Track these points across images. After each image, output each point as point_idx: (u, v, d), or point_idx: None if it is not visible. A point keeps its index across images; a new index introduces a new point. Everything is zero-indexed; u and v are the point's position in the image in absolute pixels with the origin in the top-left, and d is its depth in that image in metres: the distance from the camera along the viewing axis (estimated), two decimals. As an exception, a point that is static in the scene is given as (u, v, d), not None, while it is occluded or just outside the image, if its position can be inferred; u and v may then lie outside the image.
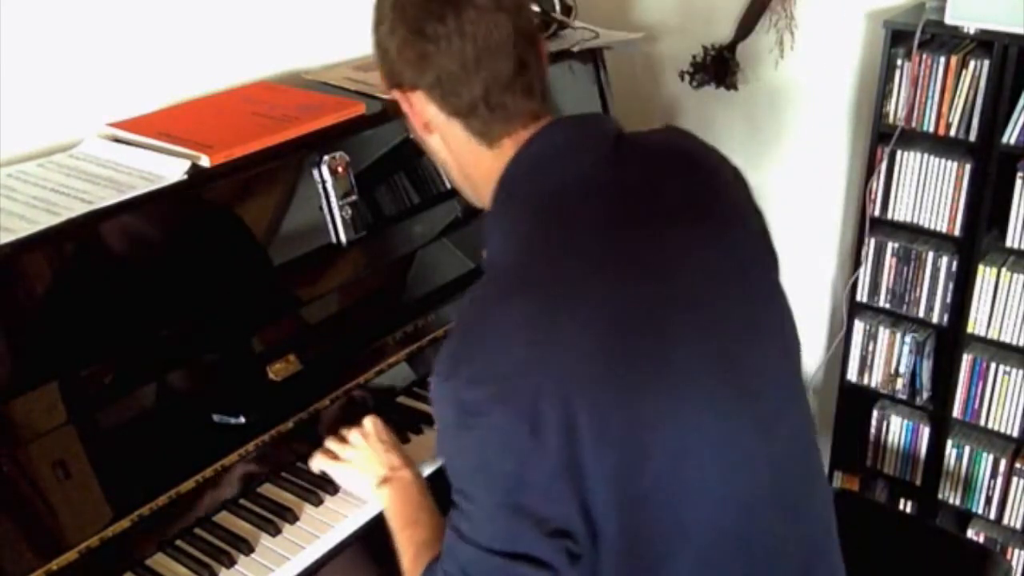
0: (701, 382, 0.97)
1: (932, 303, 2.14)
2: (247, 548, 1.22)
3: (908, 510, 2.34)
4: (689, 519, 0.98)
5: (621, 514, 0.94)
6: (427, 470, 1.33)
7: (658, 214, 1.01)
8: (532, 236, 1.00)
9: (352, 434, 1.32)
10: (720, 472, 0.98)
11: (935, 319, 2.15)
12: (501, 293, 0.97)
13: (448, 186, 1.69)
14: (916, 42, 1.96)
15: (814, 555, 1.10)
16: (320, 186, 1.47)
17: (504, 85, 1.01)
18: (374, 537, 1.30)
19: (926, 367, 2.22)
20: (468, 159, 1.06)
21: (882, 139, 2.10)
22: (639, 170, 1.04)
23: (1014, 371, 2.07)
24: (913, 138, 2.06)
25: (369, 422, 1.33)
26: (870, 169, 2.13)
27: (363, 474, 1.28)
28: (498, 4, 0.99)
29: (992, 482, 2.18)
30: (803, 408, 1.11)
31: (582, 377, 0.91)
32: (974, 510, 2.23)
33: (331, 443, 1.34)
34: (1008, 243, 1.98)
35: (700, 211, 1.04)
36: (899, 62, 2.02)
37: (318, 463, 1.33)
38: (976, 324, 2.08)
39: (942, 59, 1.96)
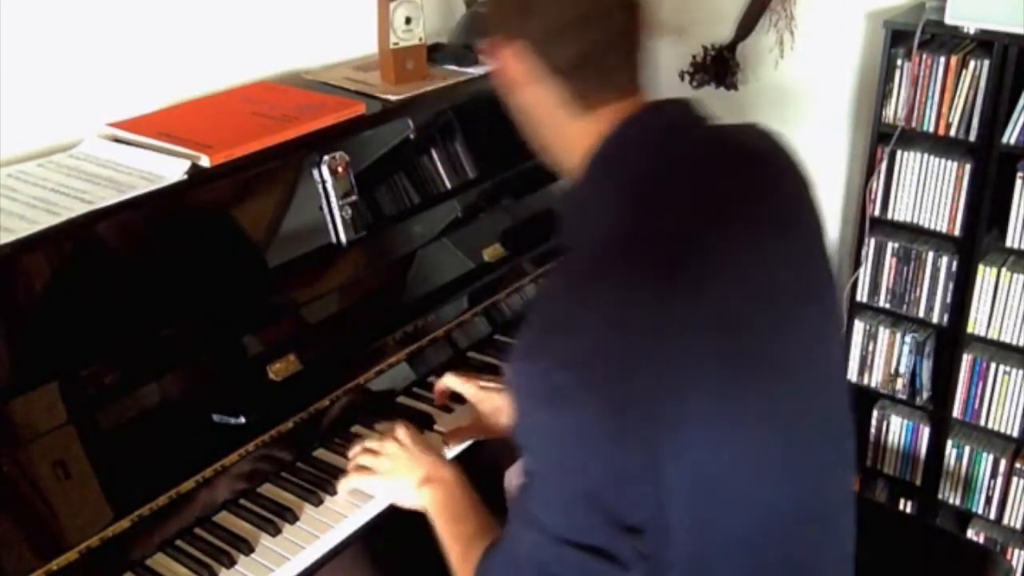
0: (780, 388, 0.96)
1: (932, 303, 2.14)
2: (247, 548, 1.22)
3: (908, 510, 2.34)
4: (752, 528, 0.97)
5: (694, 518, 0.93)
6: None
7: (741, 209, 0.99)
8: (630, 216, 0.96)
9: (387, 444, 1.29)
10: (787, 483, 0.98)
11: (935, 319, 2.15)
12: (597, 272, 0.92)
13: (448, 186, 1.69)
14: (916, 42, 1.96)
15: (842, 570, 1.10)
16: (320, 186, 1.47)
17: (611, 47, 0.98)
18: (374, 537, 1.30)
19: (926, 367, 2.22)
20: (555, 123, 1.02)
21: (882, 139, 2.10)
22: (727, 165, 1.02)
23: (1014, 371, 2.08)
24: (913, 138, 2.06)
25: (401, 429, 1.31)
26: (870, 169, 2.13)
27: (403, 479, 1.26)
28: None
29: (992, 482, 2.18)
30: (849, 421, 1.11)
31: (677, 372, 0.88)
32: (974, 510, 2.23)
33: (364, 459, 1.30)
34: (1008, 243, 1.99)
35: (769, 213, 1.02)
36: (899, 62, 2.02)
37: (353, 483, 1.30)
38: (976, 324, 2.08)
39: (942, 59, 1.96)
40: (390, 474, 1.27)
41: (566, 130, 1.01)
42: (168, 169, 1.36)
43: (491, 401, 1.40)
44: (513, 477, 1.62)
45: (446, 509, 1.20)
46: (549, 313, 0.93)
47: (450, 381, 1.44)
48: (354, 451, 1.33)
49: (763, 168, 1.05)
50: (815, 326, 1.02)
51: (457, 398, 1.47)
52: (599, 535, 0.90)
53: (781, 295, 0.98)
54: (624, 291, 0.89)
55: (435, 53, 1.84)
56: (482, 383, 1.42)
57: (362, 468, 1.30)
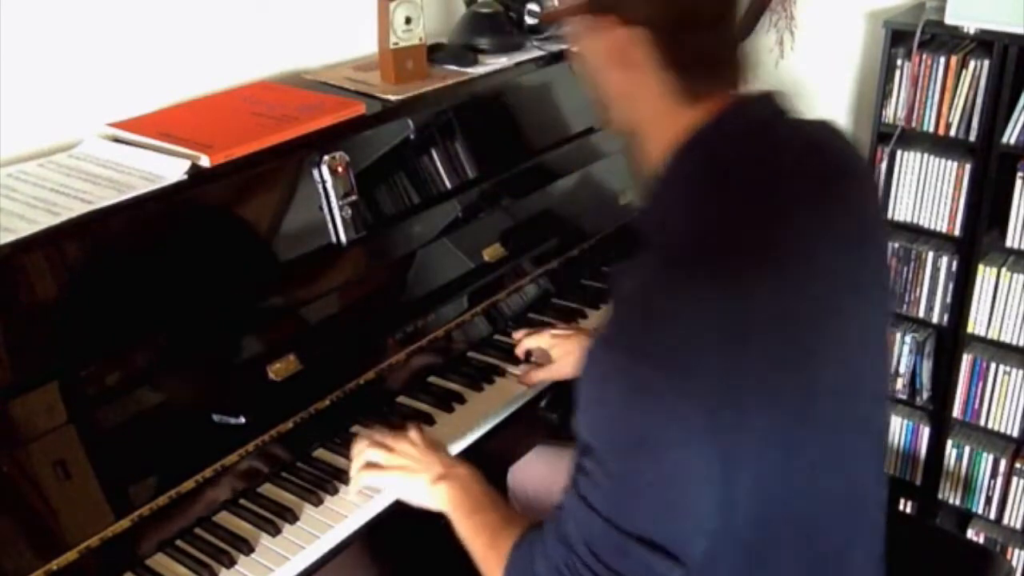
0: (842, 397, 0.97)
1: (932, 303, 2.14)
2: (247, 548, 1.22)
3: (908, 510, 2.34)
4: (804, 530, 0.98)
5: (751, 518, 0.93)
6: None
7: (819, 212, 0.98)
8: (726, 212, 0.95)
9: (399, 443, 1.29)
10: (839, 491, 1.00)
11: (935, 319, 2.15)
12: (694, 271, 0.91)
13: (448, 186, 1.69)
14: (916, 42, 1.96)
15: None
16: (320, 186, 1.47)
17: (729, 45, 0.97)
18: (374, 537, 1.30)
19: (926, 367, 2.22)
20: (653, 110, 0.99)
21: (882, 139, 2.10)
22: (814, 165, 1.01)
23: (1014, 371, 2.08)
24: (913, 138, 2.06)
25: (413, 430, 1.32)
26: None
27: (417, 477, 1.25)
28: None
29: (992, 482, 2.18)
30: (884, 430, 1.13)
31: (764, 380, 0.88)
32: (974, 510, 2.23)
33: (376, 454, 1.30)
34: (1008, 243, 1.99)
35: (861, 221, 1.03)
36: (899, 62, 2.02)
37: (366, 478, 1.30)
38: (976, 324, 2.09)
39: (942, 59, 1.96)
40: (403, 471, 1.27)
41: (662, 118, 0.98)
42: (168, 169, 1.36)
43: (563, 347, 1.54)
44: (516, 475, 1.63)
45: (464, 504, 1.20)
46: (641, 307, 0.91)
47: (526, 340, 1.58)
48: (358, 448, 1.33)
49: (850, 180, 1.05)
50: (868, 336, 1.03)
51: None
52: (662, 531, 0.90)
53: (847, 304, 0.98)
54: (712, 297, 0.88)
55: (435, 53, 1.84)
56: (554, 332, 1.57)
57: (373, 465, 1.30)
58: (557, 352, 1.55)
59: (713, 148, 0.97)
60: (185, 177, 1.35)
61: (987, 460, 2.18)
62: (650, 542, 0.90)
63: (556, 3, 1.96)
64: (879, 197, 1.09)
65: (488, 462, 1.31)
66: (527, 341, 1.59)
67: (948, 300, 2.12)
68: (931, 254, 2.11)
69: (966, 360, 2.13)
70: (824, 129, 1.08)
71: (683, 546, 0.91)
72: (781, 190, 0.97)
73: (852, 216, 1.02)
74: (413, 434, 1.31)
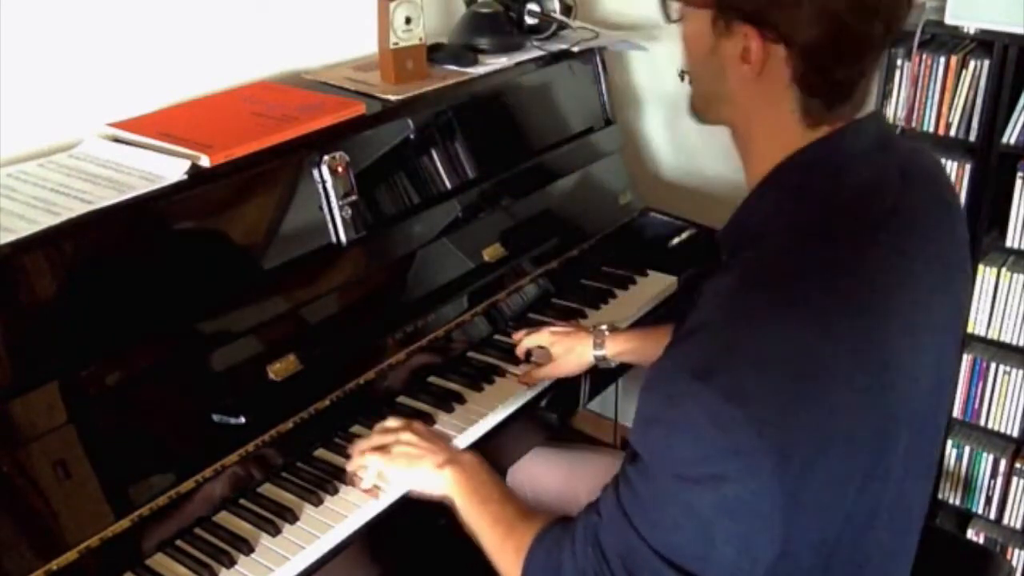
0: (912, 440, 0.96)
1: (932, 303, 2.14)
2: (247, 548, 1.22)
3: (908, 510, 2.34)
4: (863, 571, 0.98)
5: (815, 563, 0.93)
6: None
7: (920, 255, 0.96)
8: (821, 236, 0.92)
9: (403, 434, 1.30)
10: (890, 531, 0.99)
11: (935, 319, 2.15)
12: (777, 302, 0.88)
13: (448, 186, 1.69)
14: (916, 42, 1.96)
15: None
16: (320, 186, 1.47)
17: (863, 76, 0.93)
18: (374, 537, 1.30)
19: (926, 367, 2.22)
20: (764, 121, 0.96)
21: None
22: (910, 194, 0.98)
23: (1014, 371, 2.07)
24: (913, 138, 2.06)
25: (416, 423, 1.33)
26: (870, 169, 2.12)
27: (422, 463, 1.25)
28: None
29: (992, 482, 2.18)
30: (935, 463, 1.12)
31: (840, 425, 0.86)
32: (974, 510, 2.23)
33: (379, 438, 1.31)
34: (1008, 243, 1.98)
35: (952, 258, 1.01)
36: (899, 62, 2.02)
37: (370, 460, 1.29)
38: (976, 324, 2.08)
39: (942, 59, 1.96)
40: (408, 459, 1.27)
41: (779, 130, 0.95)
42: (168, 169, 1.36)
43: (562, 344, 1.55)
44: (516, 475, 1.63)
45: (475, 492, 1.20)
46: (722, 338, 0.88)
47: (526, 340, 1.59)
48: (361, 446, 1.33)
49: (944, 211, 1.03)
50: (942, 374, 1.01)
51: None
52: (703, 563, 0.88)
53: (926, 343, 0.96)
54: (791, 335, 0.86)
55: (435, 53, 1.84)
56: (553, 329, 1.58)
57: (375, 449, 1.30)
58: (557, 350, 1.56)
59: (816, 168, 0.95)
60: (185, 177, 1.35)
61: (987, 460, 2.18)
62: (686, 571, 0.88)
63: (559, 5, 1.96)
64: (966, 229, 1.07)
65: (488, 462, 1.30)
66: (527, 340, 1.59)
67: (948, 300, 2.12)
68: (931, 254, 2.11)
69: (966, 360, 2.13)
70: (924, 155, 1.07)
71: None
72: (883, 217, 0.94)
73: (944, 250, 1.00)
74: (417, 424, 1.32)
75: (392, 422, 1.34)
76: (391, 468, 1.28)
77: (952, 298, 1.02)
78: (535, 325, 1.66)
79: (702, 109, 1.04)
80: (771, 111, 0.95)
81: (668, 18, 1.01)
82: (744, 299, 0.90)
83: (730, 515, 0.86)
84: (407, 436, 1.30)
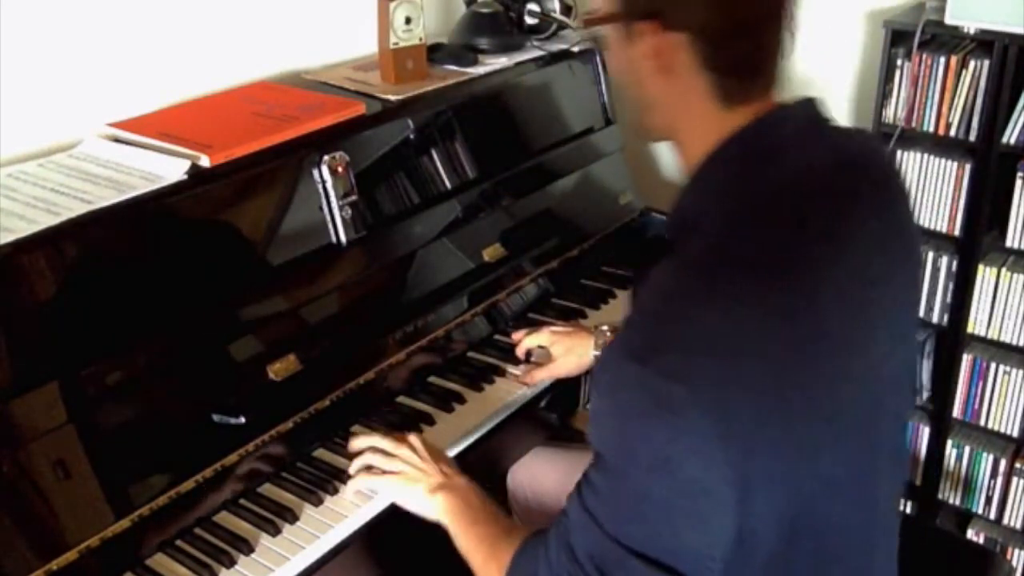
0: (862, 417, 0.96)
1: (932, 303, 2.14)
2: (247, 548, 1.22)
3: (908, 510, 2.34)
4: (827, 548, 0.98)
5: (778, 539, 0.92)
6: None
7: (854, 236, 0.96)
8: (756, 221, 0.93)
9: (401, 449, 1.30)
10: (853, 505, 0.99)
11: (935, 319, 2.15)
12: (715, 281, 0.89)
13: (448, 186, 1.69)
14: (916, 42, 1.96)
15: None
16: (320, 186, 1.47)
17: (771, 49, 0.97)
18: (374, 537, 1.30)
19: (926, 367, 2.22)
20: (691, 113, 0.98)
21: (882, 139, 2.09)
22: (846, 180, 0.99)
23: (1014, 371, 2.07)
24: (913, 138, 2.06)
25: (415, 438, 1.32)
26: (870, 169, 2.12)
27: (415, 485, 1.26)
28: None
29: (992, 482, 2.18)
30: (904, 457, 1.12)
31: (782, 398, 0.87)
32: (974, 510, 2.23)
33: (374, 458, 1.31)
34: (1008, 243, 1.98)
35: (891, 240, 1.01)
36: (899, 62, 2.02)
37: (364, 482, 1.30)
38: (976, 324, 2.08)
39: (942, 59, 1.96)
40: (402, 478, 1.27)
41: (701, 122, 0.97)
42: (168, 169, 1.36)
43: (563, 344, 1.56)
44: (516, 475, 1.63)
45: (463, 515, 1.20)
46: (658, 319, 0.89)
47: (526, 340, 1.59)
48: (358, 444, 1.33)
49: (885, 192, 1.04)
50: (895, 353, 1.01)
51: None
52: (671, 552, 0.88)
53: (874, 321, 0.97)
54: (727, 312, 0.87)
55: (435, 53, 1.84)
56: (553, 329, 1.59)
57: (372, 469, 1.30)
58: (557, 350, 1.56)
59: (747, 154, 0.96)
60: (185, 177, 1.35)
61: (987, 460, 2.18)
62: (656, 562, 0.88)
63: (569, 7, 1.96)
64: (912, 211, 1.08)
65: (488, 462, 1.31)
66: (527, 340, 1.59)
67: (948, 300, 2.12)
68: (931, 254, 2.11)
69: (966, 360, 2.13)
70: (862, 140, 1.07)
71: (692, 568, 0.89)
72: (815, 201, 0.95)
73: (888, 230, 1.00)
74: (415, 440, 1.32)
75: (388, 444, 1.32)
76: (386, 491, 1.29)
77: (898, 276, 1.02)
78: (535, 325, 1.66)
79: (639, 125, 1.05)
80: (691, 103, 0.97)
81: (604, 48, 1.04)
82: (680, 283, 0.91)
83: (686, 497, 0.87)
84: (404, 453, 1.29)
